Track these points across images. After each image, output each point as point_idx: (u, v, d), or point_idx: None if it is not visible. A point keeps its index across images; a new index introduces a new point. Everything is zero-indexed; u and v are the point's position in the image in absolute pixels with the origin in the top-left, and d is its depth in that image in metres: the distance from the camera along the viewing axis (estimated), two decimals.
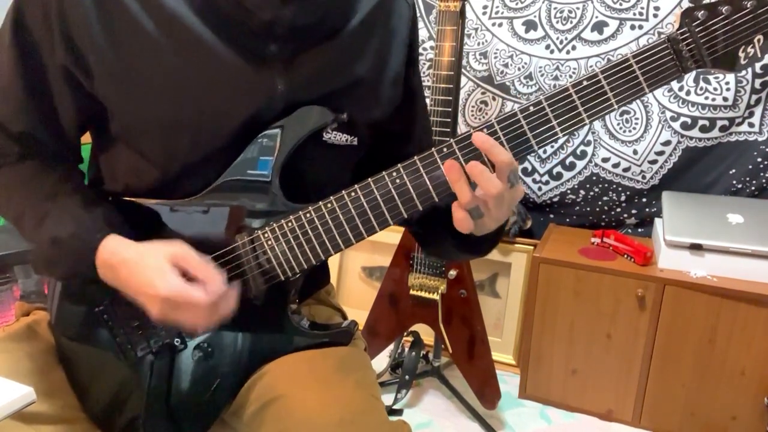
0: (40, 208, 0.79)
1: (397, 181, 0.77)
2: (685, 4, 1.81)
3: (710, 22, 0.69)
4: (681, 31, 0.70)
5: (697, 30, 0.69)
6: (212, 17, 0.77)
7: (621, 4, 1.88)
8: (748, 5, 0.67)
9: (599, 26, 1.92)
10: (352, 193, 0.78)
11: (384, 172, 0.77)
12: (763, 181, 1.86)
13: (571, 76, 1.95)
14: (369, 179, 0.78)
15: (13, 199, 0.82)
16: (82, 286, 0.82)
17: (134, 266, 0.74)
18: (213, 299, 0.74)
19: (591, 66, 1.94)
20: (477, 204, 0.73)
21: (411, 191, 0.77)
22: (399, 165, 0.77)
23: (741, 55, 0.68)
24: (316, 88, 0.83)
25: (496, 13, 2.03)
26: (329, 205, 0.79)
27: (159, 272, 0.73)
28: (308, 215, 0.80)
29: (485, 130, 0.74)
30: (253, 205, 0.81)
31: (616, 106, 0.72)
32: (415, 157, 0.76)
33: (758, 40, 0.68)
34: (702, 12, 0.68)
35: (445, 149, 0.75)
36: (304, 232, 0.80)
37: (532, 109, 0.73)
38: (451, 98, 1.56)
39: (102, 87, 0.77)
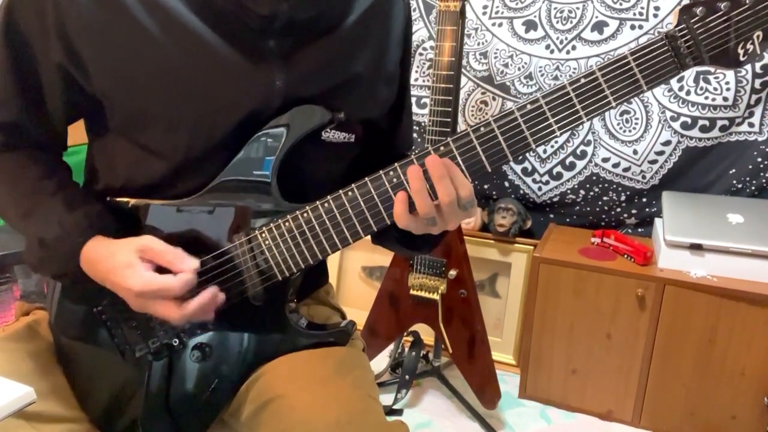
0: (22, 203, 0.81)
1: (395, 180, 0.76)
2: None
3: (708, 19, 0.68)
4: (679, 28, 0.69)
5: (695, 27, 0.69)
6: (210, 13, 0.77)
7: (621, 4, 1.88)
8: (747, 1, 0.67)
9: (599, 26, 1.91)
10: (350, 193, 0.78)
11: (381, 171, 0.77)
12: (763, 181, 1.85)
13: (571, 77, 1.94)
14: (366, 178, 0.77)
15: None
16: (78, 285, 0.81)
17: (109, 263, 0.75)
18: (183, 284, 0.74)
19: (591, 66, 1.93)
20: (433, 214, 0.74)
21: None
22: (396, 164, 0.76)
23: (740, 51, 0.68)
24: (314, 83, 0.82)
25: (496, 13, 2.03)
26: (326, 204, 0.78)
27: (129, 268, 0.74)
28: (305, 215, 0.79)
29: (482, 128, 0.73)
30: (251, 205, 0.81)
31: (614, 104, 0.72)
32: (413, 156, 0.76)
33: (757, 37, 0.67)
34: (700, 9, 0.68)
35: (442, 147, 0.75)
36: (301, 232, 0.80)
37: (529, 107, 0.73)
38: (451, 98, 1.56)
39: (99, 83, 0.77)
